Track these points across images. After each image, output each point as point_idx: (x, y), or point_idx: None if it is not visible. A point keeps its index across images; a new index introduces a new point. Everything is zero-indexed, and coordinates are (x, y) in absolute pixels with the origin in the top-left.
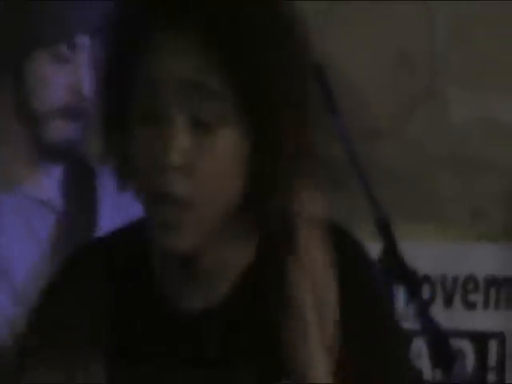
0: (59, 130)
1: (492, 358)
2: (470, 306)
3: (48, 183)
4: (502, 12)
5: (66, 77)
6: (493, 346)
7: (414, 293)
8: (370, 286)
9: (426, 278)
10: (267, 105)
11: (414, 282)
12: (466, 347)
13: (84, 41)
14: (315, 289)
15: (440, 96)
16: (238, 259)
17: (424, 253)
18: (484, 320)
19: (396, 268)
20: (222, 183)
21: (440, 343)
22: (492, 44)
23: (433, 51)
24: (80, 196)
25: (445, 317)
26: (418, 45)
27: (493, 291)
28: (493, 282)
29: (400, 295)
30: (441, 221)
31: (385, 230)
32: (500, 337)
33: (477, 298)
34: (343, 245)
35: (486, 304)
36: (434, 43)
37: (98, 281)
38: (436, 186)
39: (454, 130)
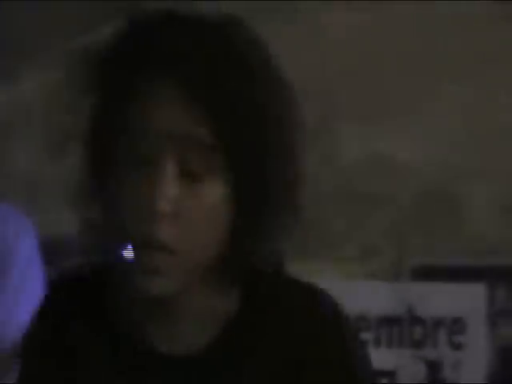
0: None
1: None
2: None
3: None
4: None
5: None
6: None
7: None
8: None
9: None
10: (252, 157)
11: None
12: None
13: None
14: None
15: (332, 132)
16: (220, 309)
17: None
18: (375, 358)
19: None
20: (206, 232)
21: None
22: (386, 80)
23: (325, 87)
24: None
25: None
26: (311, 80)
27: (384, 330)
28: (384, 320)
29: None
30: (332, 258)
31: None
32: (391, 375)
33: (368, 336)
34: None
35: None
36: (326, 80)
37: (67, 330)
38: (327, 223)
39: (346, 167)
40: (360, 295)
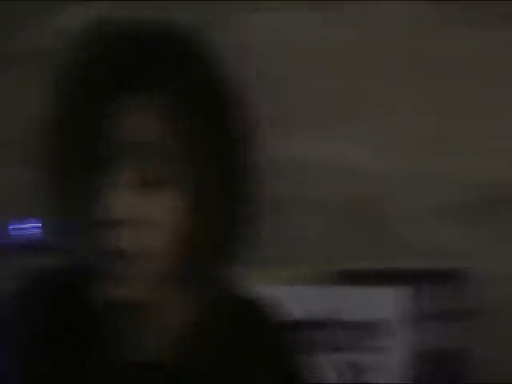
0: None
1: None
2: None
3: None
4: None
5: None
6: None
7: None
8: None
9: None
10: (212, 173)
11: None
12: None
13: None
14: None
15: (261, 135)
16: (184, 315)
17: None
18: None
19: None
20: (166, 239)
21: None
22: (304, 83)
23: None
24: None
25: None
26: None
27: (307, 334)
28: (307, 324)
29: None
30: (256, 262)
31: None
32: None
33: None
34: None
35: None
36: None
37: (42, 322)
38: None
39: (274, 170)
40: (283, 299)
